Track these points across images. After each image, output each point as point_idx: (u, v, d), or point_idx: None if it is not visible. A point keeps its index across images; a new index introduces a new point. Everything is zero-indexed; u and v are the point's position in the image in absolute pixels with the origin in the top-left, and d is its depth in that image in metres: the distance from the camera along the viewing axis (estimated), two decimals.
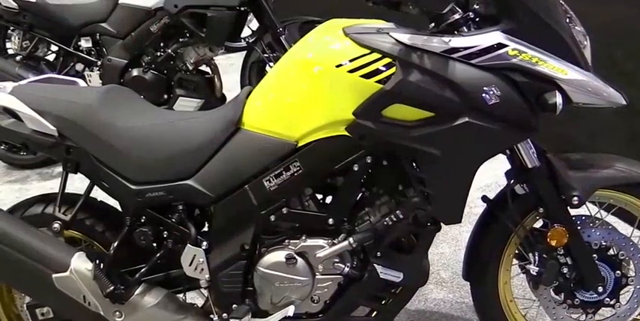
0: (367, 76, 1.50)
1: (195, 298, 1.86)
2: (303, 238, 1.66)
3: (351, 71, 1.51)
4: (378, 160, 1.60)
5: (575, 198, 1.61)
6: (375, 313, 1.75)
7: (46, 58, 3.62)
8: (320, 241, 1.66)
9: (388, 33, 1.51)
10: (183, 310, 1.72)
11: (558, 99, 1.46)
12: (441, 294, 2.29)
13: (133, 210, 1.71)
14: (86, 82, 3.43)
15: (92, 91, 1.77)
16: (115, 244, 1.70)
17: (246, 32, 5.51)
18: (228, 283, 1.70)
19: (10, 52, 3.81)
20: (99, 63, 3.47)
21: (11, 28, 3.71)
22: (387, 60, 1.50)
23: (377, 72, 1.49)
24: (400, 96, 1.47)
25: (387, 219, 1.63)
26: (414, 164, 1.56)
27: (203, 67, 3.68)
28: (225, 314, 1.71)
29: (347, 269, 1.65)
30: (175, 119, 1.73)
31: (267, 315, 1.71)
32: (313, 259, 1.66)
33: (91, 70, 3.48)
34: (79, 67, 3.53)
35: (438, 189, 1.55)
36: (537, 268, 1.68)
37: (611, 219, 1.80)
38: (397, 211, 1.62)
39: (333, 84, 1.53)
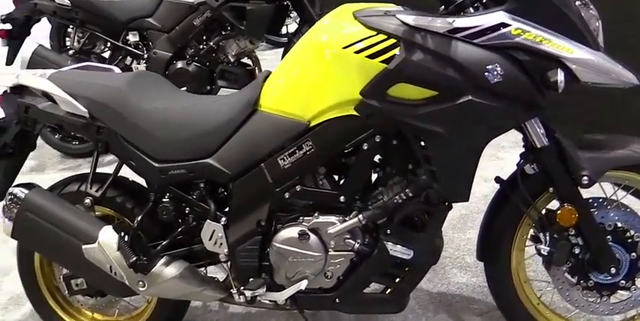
0: (372, 56, 1.55)
1: (217, 272, 1.95)
2: (316, 214, 1.72)
3: (358, 52, 1.56)
4: (387, 140, 1.64)
5: (585, 178, 1.61)
6: (389, 290, 1.79)
7: (97, 52, 3.81)
8: (332, 218, 1.71)
9: (395, 15, 1.56)
10: (203, 283, 1.81)
11: (560, 76, 1.47)
12: (465, 278, 2.30)
13: (157, 187, 1.82)
14: None
15: (122, 75, 1.89)
16: (139, 218, 1.81)
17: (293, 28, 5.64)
18: (245, 257, 1.78)
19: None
20: (145, 56, 3.63)
21: (70, 25, 3.91)
22: (392, 41, 1.54)
23: (382, 52, 1.54)
24: (403, 75, 1.52)
25: (397, 197, 1.67)
26: (421, 143, 1.60)
27: (245, 60, 3.79)
28: (242, 287, 1.79)
29: (357, 245, 1.70)
30: (198, 102, 1.82)
31: (283, 289, 1.78)
32: (325, 235, 1.71)
33: (138, 63, 3.64)
34: (128, 60, 3.69)
35: (443, 167, 1.58)
36: (548, 248, 1.69)
37: (631, 201, 1.78)
38: (407, 190, 1.66)
39: (341, 65, 1.58)
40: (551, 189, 1.68)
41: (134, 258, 1.73)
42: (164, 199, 1.82)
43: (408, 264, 1.74)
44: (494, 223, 1.79)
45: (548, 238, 1.70)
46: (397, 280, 1.78)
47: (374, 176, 1.79)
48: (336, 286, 1.78)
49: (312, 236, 1.72)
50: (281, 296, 1.77)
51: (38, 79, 1.86)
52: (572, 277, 1.74)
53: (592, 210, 1.69)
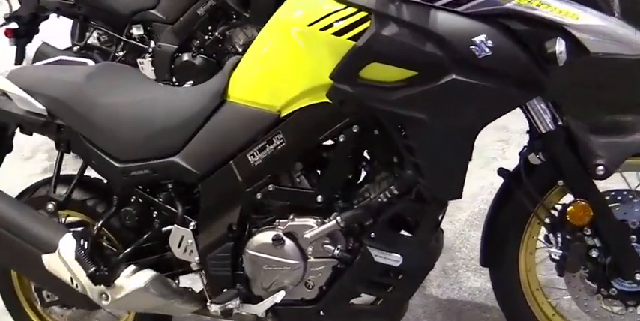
0: (339, 33, 1.33)
1: (197, 281, 1.78)
2: (291, 217, 1.52)
3: (324, 29, 1.35)
4: (367, 130, 1.43)
5: (600, 167, 1.36)
6: (380, 301, 1.58)
7: (102, 48, 3.69)
8: (309, 221, 1.51)
9: None
10: (174, 294, 1.63)
11: (559, 47, 1.22)
12: (479, 282, 2.07)
13: (121, 189, 1.65)
14: (140, 69, 3.47)
15: (83, 69, 1.73)
16: (100, 223, 1.64)
17: None
18: (216, 265, 1.60)
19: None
20: (150, 50, 3.48)
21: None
22: (363, 14, 1.32)
23: (350, 28, 1.33)
24: (375, 53, 1.30)
25: (382, 196, 1.46)
26: (402, 132, 1.37)
27: None
28: (214, 299, 1.60)
29: (337, 251, 1.50)
30: (160, 95, 1.64)
31: (261, 300, 1.59)
32: (302, 241, 1.51)
33: (143, 57, 3.50)
34: (133, 54, 3.56)
35: (428, 159, 1.36)
36: (560, 251, 1.45)
37: None
38: (392, 187, 1.44)
39: (308, 45, 1.38)
40: (560, 182, 1.44)
41: (93, 268, 1.57)
42: (129, 203, 1.65)
43: (399, 271, 1.53)
44: (498, 222, 1.56)
45: (559, 239, 1.45)
46: (389, 289, 1.56)
47: (363, 173, 1.58)
48: (319, 297, 1.57)
49: (288, 241, 1.52)
50: (259, 309, 1.58)
51: None
52: (592, 284, 1.49)
53: (612, 205, 1.44)
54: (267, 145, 1.48)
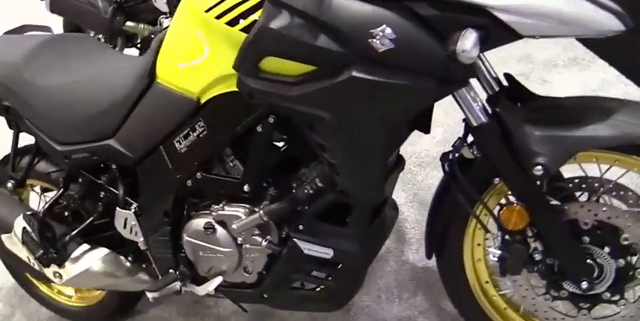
0: (232, 22, 1.19)
1: None
2: (221, 205, 1.47)
3: (219, 17, 1.21)
4: (284, 120, 1.31)
5: (539, 167, 1.17)
6: (320, 288, 1.53)
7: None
8: (238, 211, 1.45)
9: None
10: (124, 272, 1.65)
11: (462, 43, 1.03)
12: None
13: (67, 171, 1.65)
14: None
15: (29, 45, 1.66)
16: (46, 206, 1.66)
17: None
18: (159, 248, 1.59)
19: None
20: None
21: None
22: (256, 0, 1.17)
23: (243, 16, 1.18)
24: (266, 47, 1.15)
25: (307, 187, 1.36)
26: (312, 128, 1.25)
27: None
28: (159, 279, 1.61)
29: (264, 243, 1.44)
30: (97, 75, 1.57)
31: (206, 280, 1.58)
32: (232, 230, 1.46)
33: None
34: None
35: (340, 159, 1.24)
36: (499, 252, 1.30)
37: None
38: (316, 179, 1.34)
39: (208, 32, 1.26)
40: (496, 180, 1.27)
41: (40, 252, 1.60)
42: (74, 184, 1.65)
43: (335, 262, 1.46)
44: (439, 215, 1.42)
45: (499, 239, 1.31)
46: (329, 278, 1.50)
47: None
48: (259, 282, 1.54)
49: (220, 229, 1.47)
50: (201, 290, 1.58)
51: None
52: (540, 283, 1.36)
53: (578, 193, 1.26)
54: (190, 132, 1.41)
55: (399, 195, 2.09)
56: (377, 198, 1.28)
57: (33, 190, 1.90)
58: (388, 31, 1.07)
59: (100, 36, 3.06)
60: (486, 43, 1.07)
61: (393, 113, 1.15)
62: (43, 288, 2.02)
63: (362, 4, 1.08)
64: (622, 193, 1.31)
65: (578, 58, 2.21)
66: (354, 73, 1.11)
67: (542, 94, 1.32)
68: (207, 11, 1.22)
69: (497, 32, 1.07)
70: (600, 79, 2.22)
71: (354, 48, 1.09)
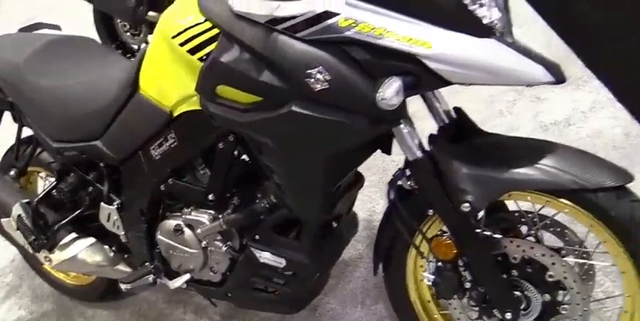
0: (192, 51, 1.29)
1: None
2: (189, 210, 1.59)
3: (183, 44, 1.31)
4: (242, 140, 1.41)
5: (466, 204, 1.24)
6: (276, 292, 1.64)
7: None
8: (203, 216, 1.57)
9: None
10: (107, 260, 1.80)
11: (383, 92, 1.10)
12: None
13: (60, 165, 1.79)
14: None
15: (32, 46, 1.80)
16: (40, 196, 1.81)
17: None
18: (136, 243, 1.73)
19: None
20: None
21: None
22: (216, 31, 1.26)
23: (202, 46, 1.28)
24: (217, 77, 1.25)
25: (264, 201, 1.46)
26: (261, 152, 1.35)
27: None
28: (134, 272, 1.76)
29: (225, 248, 1.56)
30: (90, 79, 1.70)
31: (179, 275, 1.72)
32: (198, 234, 1.58)
33: None
34: None
35: (284, 181, 1.34)
36: (432, 277, 1.39)
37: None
38: (271, 195, 1.44)
39: (173, 58, 1.36)
40: (430, 211, 1.34)
41: (32, 238, 1.77)
42: (66, 178, 1.80)
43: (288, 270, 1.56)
44: (384, 236, 1.50)
45: (433, 264, 1.39)
46: (285, 283, 1.61)
47: None
48: (224, 281, 1.66)
49: (188, 232, 1.60)
50: (171, 285, 1.71)
51: None
52: (474, 308, 1.43)
53: (492, 240, 1.32)
54: (163, 142, 1.52)
55: (378, 202, 2.17)
56: (320, 218, 1.37)
57: (39, 176, 2.07)
58: (323, 71, 1.15)
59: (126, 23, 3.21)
60: (415, 88, 1.14)
61: (329, 146, 1.24)
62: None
63: (303, 44, 1.16)
64: (559, 229, 1.37)
65: (574, 76, 2.21)
66: (294, 108, 1.19)
67: (490, 131, 1.37)
68: (173, 38, 1.32)
69: (426, 79, 1.13)
70: (592, 100, 2.22)
71: (293, 85, 1.18)
